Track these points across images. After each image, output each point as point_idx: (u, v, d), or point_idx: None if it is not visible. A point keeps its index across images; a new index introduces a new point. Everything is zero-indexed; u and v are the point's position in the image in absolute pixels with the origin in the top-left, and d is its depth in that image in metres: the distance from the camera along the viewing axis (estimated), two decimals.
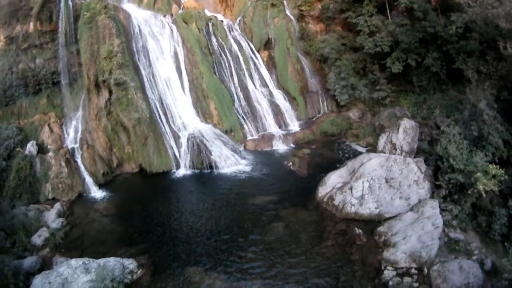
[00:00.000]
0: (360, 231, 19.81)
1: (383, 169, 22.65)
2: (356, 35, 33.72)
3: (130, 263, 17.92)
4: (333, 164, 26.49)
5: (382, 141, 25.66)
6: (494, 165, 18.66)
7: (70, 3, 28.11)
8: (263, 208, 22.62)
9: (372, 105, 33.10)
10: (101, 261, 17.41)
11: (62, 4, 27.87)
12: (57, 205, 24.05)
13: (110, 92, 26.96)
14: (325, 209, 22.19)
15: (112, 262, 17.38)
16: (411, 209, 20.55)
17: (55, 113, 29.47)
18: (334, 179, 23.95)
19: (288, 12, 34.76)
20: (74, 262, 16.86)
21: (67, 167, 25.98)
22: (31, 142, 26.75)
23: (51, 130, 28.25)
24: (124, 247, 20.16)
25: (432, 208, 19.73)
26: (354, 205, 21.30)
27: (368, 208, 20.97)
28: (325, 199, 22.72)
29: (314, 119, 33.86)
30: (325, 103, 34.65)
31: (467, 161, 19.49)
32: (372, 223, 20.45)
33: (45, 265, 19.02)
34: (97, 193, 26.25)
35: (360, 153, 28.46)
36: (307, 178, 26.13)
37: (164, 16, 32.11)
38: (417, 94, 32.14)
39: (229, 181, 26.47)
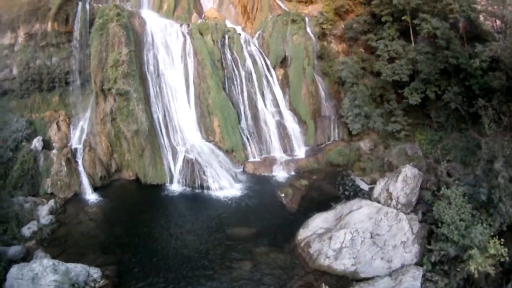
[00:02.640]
0: None
1: (371, 221, 23.64)
2: (377, 59, 37.00)
3: (96, 272, 22.53)
4: (328, 202, 28.44)
5: (378, 187, 26.53)
6: (496, 240, 18.75)
7: (87, 7, 33.92)
8: (239, 241, 25.68)
9: (386, 137, 35.95)
10: (70, 265, 22.20)
11: (79, 8, 33.64)
12: (51, 202, 29.95)
13: (115, 100, 32.22)
14: (300, 255, 23.95)
15: (79, 268, 22.22)
16: (390, 275, 21.34)
17: (65, 111, 35.60)
18: (317, 222, 25.73)
19: (308, 30, 38.74)
20: (46, 261, 21.87)
21: (66, 166, 31.81)
22: (37, 137, 33.04)
23: (59, 128, 34.42)
24: (98, 254, 25.07)
25: (413, 279, 20.43)
26: (329, 257, 22.60)
27: (343, 264, 22.26)
28: (303, 244, 24.37)
29: (323, 146, 37.51)
30: (337, 130, 38.25)
31: (465, 230, 19.72)
32: (344, 281, 21.87)
33: (28, 256, 24.53)
34: (92, 196, 31.86)
35: (362, 190, 31.50)
36: (295, 214, 28.78)
37: (181, 25, 37.05)
38: (434, 130, 34.41)
39: (217, 205, 30.44)
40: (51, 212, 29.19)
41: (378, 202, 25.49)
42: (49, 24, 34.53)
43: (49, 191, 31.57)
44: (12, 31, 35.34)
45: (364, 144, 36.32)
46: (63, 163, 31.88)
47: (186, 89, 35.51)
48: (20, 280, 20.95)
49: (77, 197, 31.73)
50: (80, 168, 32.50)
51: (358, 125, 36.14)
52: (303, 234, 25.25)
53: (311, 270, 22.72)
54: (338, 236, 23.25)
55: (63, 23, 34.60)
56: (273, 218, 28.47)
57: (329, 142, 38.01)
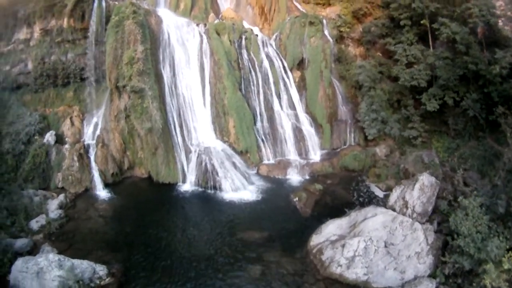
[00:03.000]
0: None
1: (386, 230, 22.68)
2: (395, 63, 36.08)
3: (102, 269, 21.70)
4: (342, 208, 27.19)
5: (394, 195, 25.52)
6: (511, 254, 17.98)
7: (103, 4, 33.29)
8: (249, 245, 24.63)
9: (402, 143, 35.02)
10: (76, 261, 21.39)
11: (95, 5, 33.04)
12: (61, 197, 29.23)
13: (130, 97, 31.59)
14: (312, 261, 22.96)
15: (85, 264, 21.42)
16: (403, 286, 20.68)
17: (79, 107, 35.00)
18: (331, 229, 24.71)
19: (326, 32, 37.87)
20: (51, 256, 21.04)
21: (78, 162, 31.08)
22: (50, 132, 32.44)
23: (72, 123, 33.78)
24: (105, 251, 24.22)
25: None
26: (341, 265, 21.63)
27: (356, 273, 21.27)
28: (315, 251, 23.38)
29: (338, 150, 36.46)
30: (353, 135, 37.17)
31: (481, 243, 18.88)
32: None
33: (35, 249, 23.82)
34: (102, 192, 31.10)
35: (376, 196, 30.45)
36: (309, 219, 27.65)
37: (198, 24, 36.38)
38: (451, 138, 33.54)
39: (229, 207, 29.51)
40: (60, 206, 28.43)
41: (394, 210, 24.51)
42: (65, 20, 33.98)
43: (60, 185, 30.90)
44: (28, 27, 34.92)
45: (380, 150, 35.36)
46: (75, 158, 31.15)
47: (202, 89, 34.72)
48: (25, 273, 20.19)
49: (88, 192, 31.00)
50: (92, 164, 31.74)
51: (375, 130, 35.14)
52: (315, 240, 24.25)
53: (322, 278, 21.77)
54: (351, 244, 22.25)
55: (79, 19, 34.05)
56: (285, 223, 27.41)
57: (344, 147, 36.94)
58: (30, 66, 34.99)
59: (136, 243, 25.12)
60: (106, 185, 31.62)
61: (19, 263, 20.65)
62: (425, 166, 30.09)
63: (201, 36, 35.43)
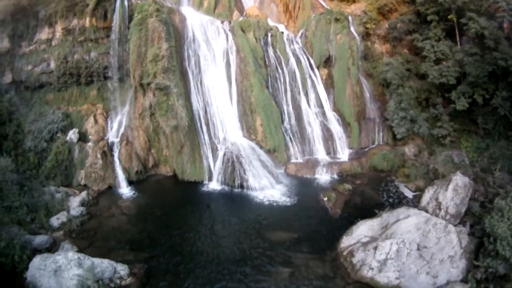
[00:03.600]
0: None
1: (419, 232, 20.66)
2: (422, 60, 33.24)
3: (123, 269, 19.36)
4: (371, 208, 25.32)
5: (427, 195, 24.15)
6: None
7: (126, 2, 30.97)
8: (278, 247, 22.31)
9: (431, 143, 32.23)
10: (96, 260, 19.04)
11: (118, 3, 30.80)
12: (83, 194, 26.74)
13: (154, 95, 29.18)
14: (342, 264, 20.76)
15: (105, 264, 19.04)
16: None
17: (103, 105, 32.70)
18: (362, 230, 22.58)
19: (352, 29, 35.13)
20: (71, 254, 18.73)
21: (102, 160, 28.67)
22: (73, 130, 30.10)
23: (96, 121, 31.42)
24: (127, 250, 21.91)
25: None
26: (373, 269, 19.59)
27: (387, 277, 19.22)
28: (345, 253, 21.28)
29: (367, 149, 33.49)
30: (381, 134, 34.19)
31: None
32: None
33: (54, 247, 21.53)
34: (126, 190, 28.64)
35: (406, 197, 27.89)
36: (338, 220, 25.26)
37: (222, 22, 34.01)
38: (480, 138, 30.90)
39: (256, 206, 26.96)
40: (82, 203, 25.94)
41: (426, 211, 22.77)
42: (87, 19, 31.78)
43: (82, 182, 28.54)
44: (50, 27, 32.64)
45: (409, 150, 32.39)
46: (99, 155, 28.73)
47: (228, 86, 32.14)
48: (42, 271, 17.86)
49: (111, 190, 28.57)
50: (116, 161, 29.33)
51: (403, 129, 32.21)
52: (346, 242, 22.02)
53: (352, 281, 19.59)
54: (383, 246, 20.09)
55: (102, 18, 31.80)
56: (314, 223, 24.85)
57: (373, 146, 33.88)
58: (52, 65, 32.82)
59: (159, 243, 22.65)
60: (130, 183, 29.16)
61: (36, 260, 18.40)
62: (455, 167, 27.77)
63: (226, 33, 33.00)
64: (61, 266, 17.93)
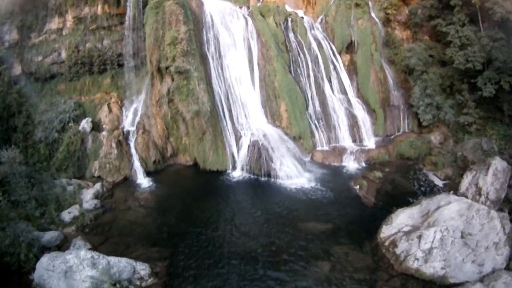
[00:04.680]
0: None
1: (462, 219, 17.69)
2: (444, 46, 29.14)
3: (143, 269, 15.26)
4: (405, 197, 21.82)
5: (466, 181, 21.37)
6: None
7: None
8: (313, 238, 18.39)
9: (456, 130, 28.07)
10: (112, 259, 14.87)
11: None
12: (97, 186, 22.21)
13: (173, 80, 24.84)
14: (384, 255, 17.46)
15: (123, 263, 14.86)
16: (481, 280, 16.02)
17: (117, 94, 28.26)
18: (402, 219, 19.13)
19: (373, 15, 30.80)
20: (83, 253, 14.63)
21: (117, 149, 24.24)
22: (86, 119, 25.65)
23: (110, 110, 26.97)
24: (147, 247, 17.65)
25: (506, 285, 15.31)
26: (418, 259, 16.56)
27: (433, 267, 16.25)
28: (387, 243, 17.98)
29: (392, 137, 29.00)
30: (406, 121, 29.74)
31: None
32: (432, 286, 15.97)
33: (65, 243, 17.28)
34: (143, 181, 24.08)
35: (436, 186, 23.96)
36: (373, 209, 21.42)
37: (240, 7, 29.79)
38: (506, 126, 26.87)
39: (285, 195, 22.59)
40: (96, 196, 21.40)
41: (466, 197, 20.11)
42: (99, 7, 27.75)
43: (96, 174, 23.93)
44: (60, 16, 28.46)
45: (434, 137, 28.09)
46: (114, 145, 24.28)
47: (250, 71, 27.58)
48: (51, 272, 13.67)
49: (127, 181, 24.00)
50: (132, 151, 24.85)
51: (430, 116, 27.97)
52: (386, 231, 18.60)
53: (397, 273, 16.49)
54: (428, 235, 17.11)
55: (114, 5, 27.65)
56: (348, 212, 20.81)
57: (398, 133, 29.39)
58: (63, 55, 28.45)
59: (182, 237, 18.32)
60: (147, 174, 24.64)
61: (44, 259, 14.29)
62: (484, 154, 24.28)
63: (245, 18, 28.61)
64: (72, 266, 13.82)
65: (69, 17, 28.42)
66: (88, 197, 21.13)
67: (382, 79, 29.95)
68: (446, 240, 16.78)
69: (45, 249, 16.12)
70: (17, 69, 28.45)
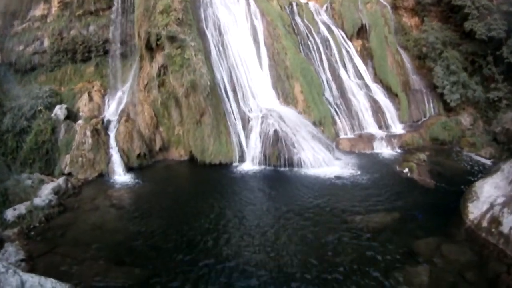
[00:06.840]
0: None
1: None
2: (456, 29, 22.48)
3: None
4: (462, 176, 15.02)
5: None
6: None
7: None
8: (378, 236, 10.17)
9: (485, 110, 20.83)
10: (37, 280, 5.91)
11: None
12: (60, 180, 13.53)
13: (165, 54, 17.08)
14: (485, 240, 10.21)
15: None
16: None
17: (101, 83, 19.98)
18: (488, 191, 11.77)
19: None
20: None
21: (92, 138, 15.75)
22: (60, 105, 17.32)
23: (91, 98, 18.71)
24: (109, 264, 8.77)
25: None
26: None
27: None
28: (484, 224, 10.74)
29: (420, 122, 21.24)
30: (431, 104, 21.95)
31: None
32: None
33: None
34: (123, 177, 15.40)
35: (485, 164, 16.63)
36: (436, 191, 13.65)
37: None
38: None
39: (319, 186, 14.08)
40: (56, 192, 12.64)
41: None
42: None
43: (66, 170, 15.27)
44: (45, 2, 21.30)
45: (464, 119, 20.81)
46: (88, 133, 15.82)
47: (255, 50, 19.76)
48: None
49: (102, 178, 15.29)
50: (111, 141, 16.31)
51: (457, 95, 20.57)
52: (475, 210, 11.39)
53: None
54: None
55: None
56: (407, 198, 12.91)
57: (425, 118, 21.55)
58: (46, 43, 20.87)
59: (165, 252, 9.38)
60: (129, 169, 16.00)
61: None
62: None
63: (246, 0, 21.47)
64: None
65: (55, 2, 21.13)
66: (46, 192, 12.51)
67: (400, 61, 22.44)
68: None
69: None
70: None
